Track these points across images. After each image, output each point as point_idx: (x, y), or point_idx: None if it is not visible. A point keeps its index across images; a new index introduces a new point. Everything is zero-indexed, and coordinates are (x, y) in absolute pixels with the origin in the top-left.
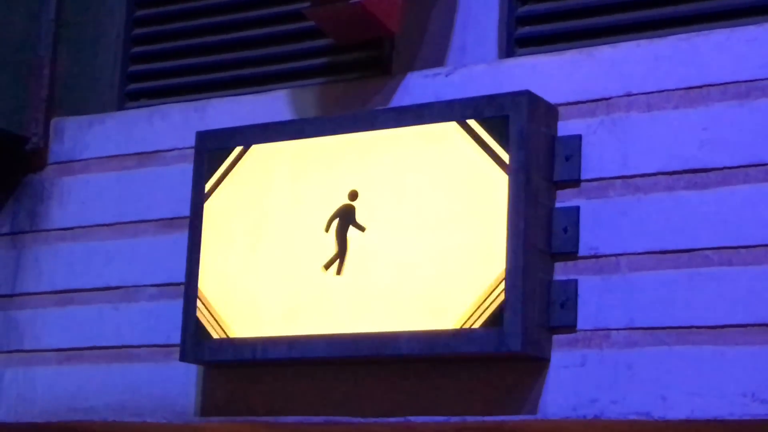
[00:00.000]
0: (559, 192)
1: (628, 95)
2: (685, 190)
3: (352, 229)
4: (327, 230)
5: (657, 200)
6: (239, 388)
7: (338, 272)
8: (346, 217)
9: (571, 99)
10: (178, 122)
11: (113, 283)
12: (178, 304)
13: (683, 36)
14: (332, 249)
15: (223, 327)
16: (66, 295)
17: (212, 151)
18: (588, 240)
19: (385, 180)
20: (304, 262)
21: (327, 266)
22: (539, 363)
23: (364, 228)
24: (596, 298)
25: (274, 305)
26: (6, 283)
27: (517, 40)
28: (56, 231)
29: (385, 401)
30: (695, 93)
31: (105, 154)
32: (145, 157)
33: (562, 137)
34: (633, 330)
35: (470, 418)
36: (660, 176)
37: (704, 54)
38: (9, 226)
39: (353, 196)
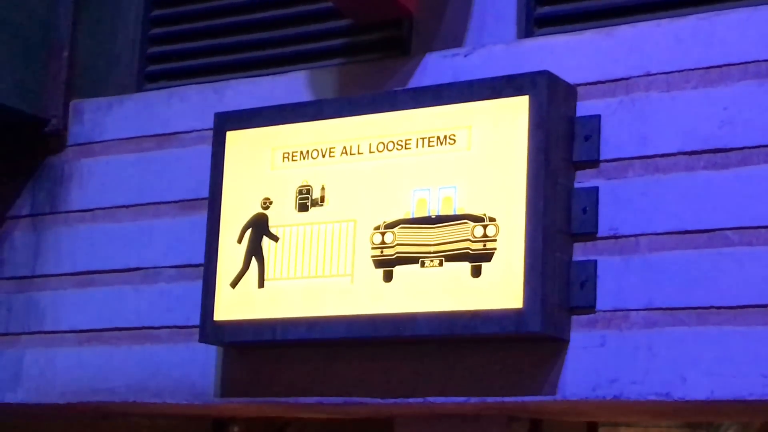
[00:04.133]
0: (578, 172)
1: (648, 75)
2: (704, 170)
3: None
4: (240, 242)
5: (676, 180)
6: (259, 370)
7: (259, 285)
8: (258, 227)
9: (591, 79)
10: (196, 104)
11: (133, 265)
12: (198, 285)
13: (703, 15)
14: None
15: (242, 308)
16: (86, 276)
17: (232, 132)
18: (607, 220)
19: (403, 160)
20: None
21: (234, 284)
22: (559, 344)
23: (277, 238)
24: (616, 279)
25: (294, 286)
26: (26, 264)
27: (536, 19)
28: (76, 213)
29: (404, 382)
30: (715, 72)
31: (124, 136)
32: (164, 138)
33: (581, 117)
34: (652, 310)
35: (490, 399)
36: (680, 156)
37: (724, 33)
38: (29, 208)
39: (266, 204)
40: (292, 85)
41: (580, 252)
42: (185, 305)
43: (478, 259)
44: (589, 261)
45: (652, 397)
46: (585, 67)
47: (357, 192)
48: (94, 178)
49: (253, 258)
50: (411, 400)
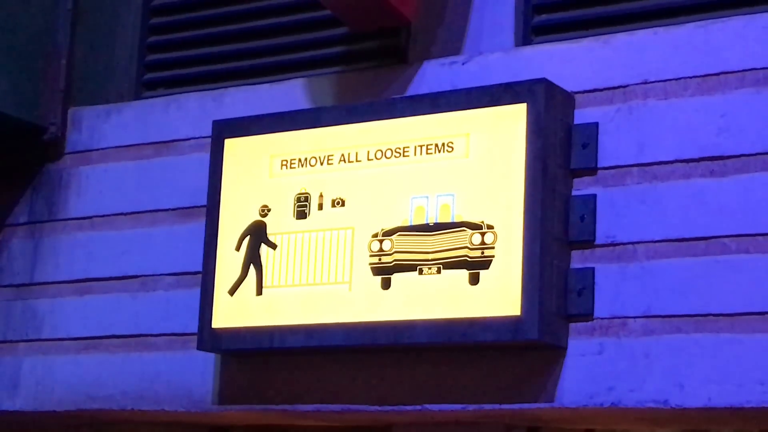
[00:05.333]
0: (575, 180)
1: (645, 83)
2: (702, 177)
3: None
4: (238, 249)
5: (674, 188)
6: (257, 377)
7: (258, 293)
8: (257, 235)
9: (588, 87)
10: (195, 111)
11: (131, 272)
12: (196, 292)
13: (700, 23)
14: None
15: (240, 316)
16: (84, 284)
17: (230, 140)
18: (605, 228)
19: (401, 167)
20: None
21: (232, 291)
22: (556, 351)
23: (275, 245)
24: (613, 286)
25: (292, 293)
26: (24, 272)
27: (534, 28)
28: (74, 220)
29: (402, 389)
30: (712, 80)
31: (122, 144)
32: (162, 146)
33: (579, 125)
34: (650, 318)
35: (487, 406)
36: (677, 164)
37: (721, 41)
38: (27, 215)
39: (264, 211)
40: (290, 92)
41: (577, 259)
42: (183, 313)
43: (475, 266)
44: (586, 268)
45: (650, 405)
46: (582, 75)
47: (355, 199)
48: (92, 185)
49: (251, 265)
50: (409, 407)
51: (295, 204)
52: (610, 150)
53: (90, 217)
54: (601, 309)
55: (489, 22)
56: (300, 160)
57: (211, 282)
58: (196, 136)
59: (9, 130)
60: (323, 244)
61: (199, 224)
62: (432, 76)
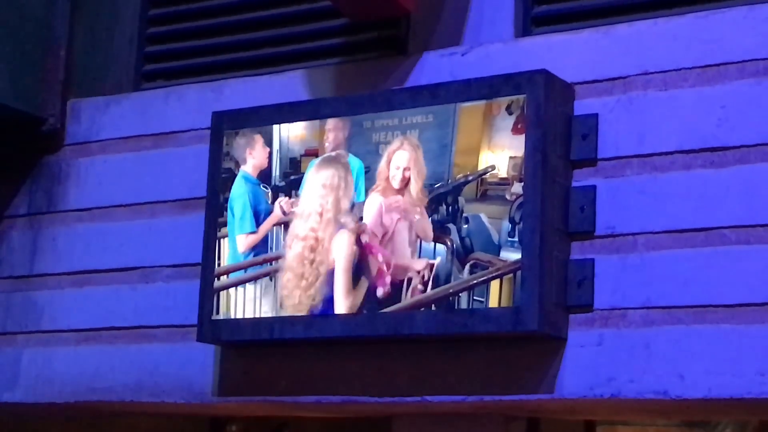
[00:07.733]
0: (575, 171)
1: (645, 74)
2: (702, 168)
3: None
4: None
5: (674, 179)
6: (256, 368)
7: None
8: None
9: (588, 78)
10: (194, 103)
11: (130, 264)
12: (195, 284)
13: (701, 14)
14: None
15: (240, 307)
16: (83, 275)
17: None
18: (605, 219)
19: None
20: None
21: None
22: (556, 342)
23: None
24: (613, 277)
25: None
26: (24, 264)
27: (534, 18)
28: (73, 212)
29: (401, 381)
30: (713, 71)
31: (121, 135)
32: (161, 137)
33: (579, 116)
34: (650, 309)
35: (487, 398)
36: (677, 155)
37: (722, 32)
38: (26, 207)
39: None
40: (289, 84)
41: (577, 251)
42: (183, 304)
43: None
44: (586, 260)
45: (650, 396)
46: (582, 65)
47: None
48: (91, 177)
49: None
50: (408, 399)
51: None
52: (610, 141)
53: (89, 209)
54: (600, 300)
55: (489, 13)
56: None
57: (210, 273)
58: (196, 128)
59: (8, 121)
60: None
61: (199, 216)
62: (431, 67)
